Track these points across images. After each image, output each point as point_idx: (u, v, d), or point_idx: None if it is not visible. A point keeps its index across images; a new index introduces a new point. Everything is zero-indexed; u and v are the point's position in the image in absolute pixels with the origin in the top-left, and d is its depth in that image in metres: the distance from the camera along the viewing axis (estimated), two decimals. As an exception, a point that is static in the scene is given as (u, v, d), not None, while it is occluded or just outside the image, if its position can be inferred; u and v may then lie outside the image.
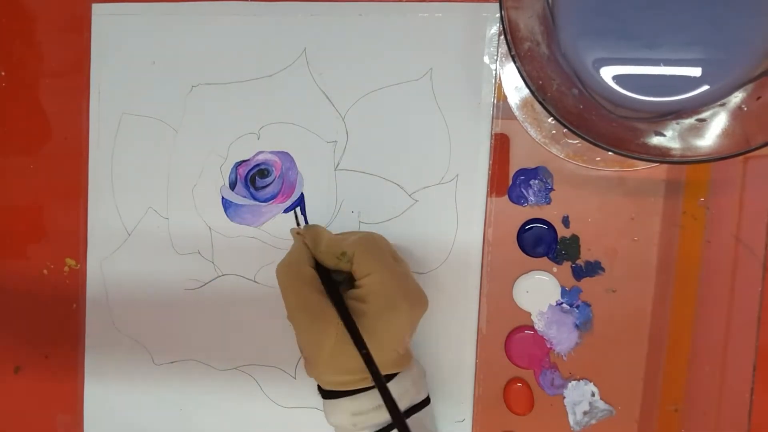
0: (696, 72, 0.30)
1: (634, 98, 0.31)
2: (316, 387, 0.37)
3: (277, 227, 0.43)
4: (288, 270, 0.36)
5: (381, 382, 0.32)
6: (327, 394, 0.36)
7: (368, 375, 0.34)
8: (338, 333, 0.33)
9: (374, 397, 0.34)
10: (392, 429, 0.34)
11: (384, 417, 0.34)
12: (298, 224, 0.42)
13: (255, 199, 0.43)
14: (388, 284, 0.34)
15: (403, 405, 0.35)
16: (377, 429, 0.35)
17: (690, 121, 0.31)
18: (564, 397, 0.40)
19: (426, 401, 0.37)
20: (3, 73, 0.45)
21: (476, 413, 0.41)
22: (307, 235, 0.37)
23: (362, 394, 0.35)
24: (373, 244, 0.36)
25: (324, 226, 0.40)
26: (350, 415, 0.35)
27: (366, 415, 0.35)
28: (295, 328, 0.35)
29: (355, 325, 0.33)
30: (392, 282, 0.34)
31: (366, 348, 0.32)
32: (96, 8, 0.44)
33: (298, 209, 0.42)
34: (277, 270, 0.36)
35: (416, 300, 0.35)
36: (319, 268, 0.37)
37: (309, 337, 0.34)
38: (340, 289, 0.36)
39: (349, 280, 0.37)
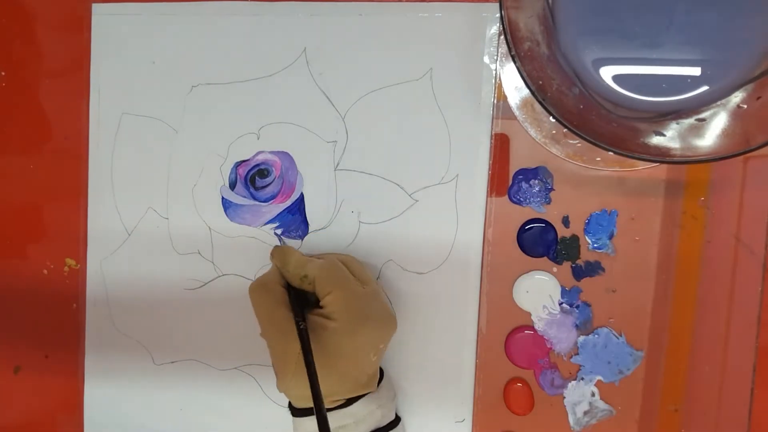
0: (695, 72, 0.30)
1: (634, 98, 0.31)
2: (288, 404, 0.38)
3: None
4: (258, 288, 0.37)
5: (319, 402, 0.31)
6: (295, 412, 0.37)
7: (334, 396, 0.34)
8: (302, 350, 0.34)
9: (336, 419, 0.35)
10: None
11: None
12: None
13: (255, 199, 0.43)
14: (350, 303, 0.35)
15: (366, 426, 0.35)
16: None
17: (690, 121, 0.31)
18: (564, 397, 0.40)
19: (394, 423, 0.38)
20: (3, 73, 0.45)
21: (476, 413, 0.41)
22: (276, 255, 0.38)
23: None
24: (334, 266, 0.37)
25: (296, 248, 0.40)
26: None
27: None
28: (267, 344, 0.36)
29: (307, 343, 0.33)
30: (354, 301, 0.35)
31: (313, 366, 0.32)
32: (96, 8, 0.44)
33: (282, 236, 0.42)
34: (250, 288, 0.37)
35: (381, 320, 0.36)
36: (290, 287, 0.37)
37: (276, 353, 0.35)
38: (307, 308, 0.36)
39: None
